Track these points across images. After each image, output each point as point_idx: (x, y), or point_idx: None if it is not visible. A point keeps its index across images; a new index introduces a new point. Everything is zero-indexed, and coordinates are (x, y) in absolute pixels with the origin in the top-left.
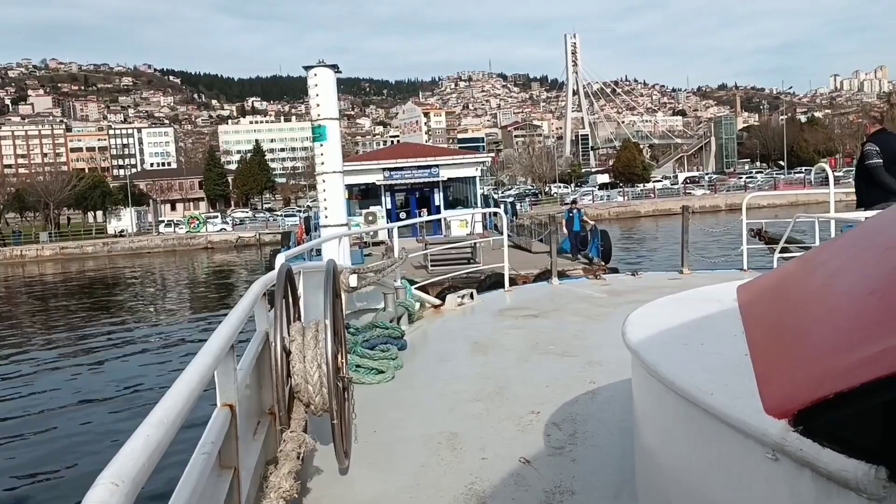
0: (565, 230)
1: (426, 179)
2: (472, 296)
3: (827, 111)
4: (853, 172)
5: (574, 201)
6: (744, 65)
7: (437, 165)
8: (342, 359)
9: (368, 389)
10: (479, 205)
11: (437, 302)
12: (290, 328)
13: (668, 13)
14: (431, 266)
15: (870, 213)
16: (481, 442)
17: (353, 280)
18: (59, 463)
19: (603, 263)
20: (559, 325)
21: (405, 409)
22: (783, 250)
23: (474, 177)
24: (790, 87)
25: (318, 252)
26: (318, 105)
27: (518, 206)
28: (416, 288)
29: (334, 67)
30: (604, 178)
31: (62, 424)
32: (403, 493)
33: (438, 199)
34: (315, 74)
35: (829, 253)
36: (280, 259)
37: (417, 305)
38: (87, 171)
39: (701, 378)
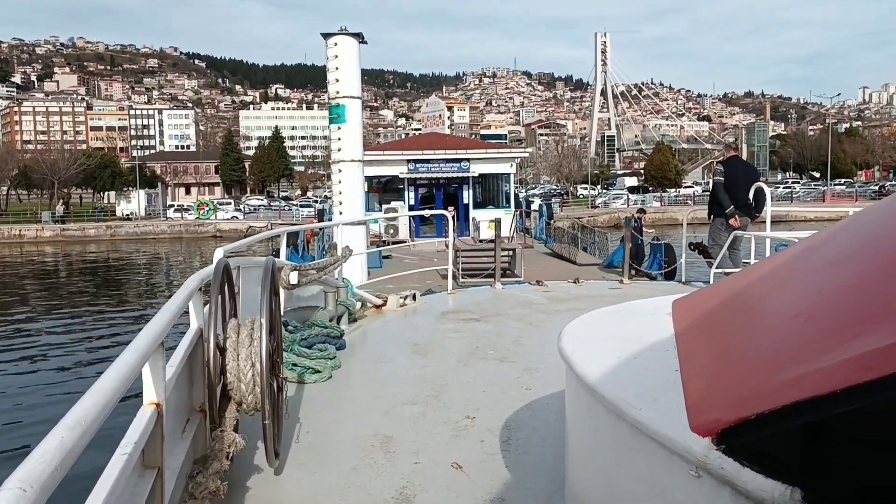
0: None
1: (455, 174)
2: (414, 297)
3: (857, 123)
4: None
5: (642, 210)
6: (771, 73)
7: (467, 159)
8: (277, 358)
9: (304, 389)
10: (510, 205)
11: (379, 302)
12: (225, 325)
13: (696, 18)
14: (462, 277)
15: (804, 234)
16: (415, 446)
17: (293, 277)
18: None
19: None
20: (500, 329)
21: (340, 409)
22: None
23: (508, 174)
24: (838, 94)
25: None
26: (337, 80)
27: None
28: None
29: (358, 36)
30: (632, 182)
31: None
32: (333, 494)
33: (467, 196)
34: (336, 44)
35: (761, 273)
36: (218, 254)
37: (358, 305)
38: (106, 150)
39: (631, 392)
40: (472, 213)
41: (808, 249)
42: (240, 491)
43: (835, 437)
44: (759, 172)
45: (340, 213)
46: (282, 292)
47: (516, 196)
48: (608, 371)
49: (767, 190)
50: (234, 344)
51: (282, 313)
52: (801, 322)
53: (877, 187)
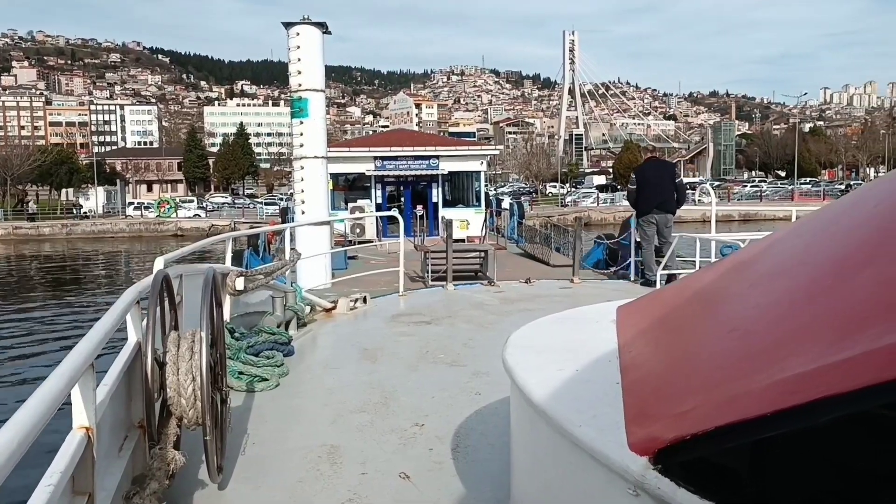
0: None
1: (423, 172)
2: (364, 300)
3: (819, 123)
4: None
5: None
6: (736, 73)
7: (437, 156)
8: (220, 370)
9: (251, 398)
10: (481, 203)
11: (329, 305)
12: (165, 338)
13: (666, 17)
14: (432, 281)
15: (749, 236)
16: (362, 456)
17: (239, 283)
18: None
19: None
20: (451, 332)
21: (287, 419)
22: (667, 266)
23: (479, 171)
24: (804, 93)
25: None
26: (299, 72)
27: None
28: None
29: (322, 26)
30: (600, 180)
31: None
32: None
33: (437, 195)
34: (298, 34)
35: (703, 282)
36: (158, 264)
37: (308, 309)
38: (65, 146)
39: (571, 408)
40: (442, 211)
41: (749, 259)
42: None
43: (771, 457)
44: (674, 165)
45: (303, 213)
46: (228, 299)
47: (487, 194)
48: (549, 385)
49: (687, 191)
50: (174, 357)
51: (228, 320)
52: (736, 338)
53: (843, 186)
